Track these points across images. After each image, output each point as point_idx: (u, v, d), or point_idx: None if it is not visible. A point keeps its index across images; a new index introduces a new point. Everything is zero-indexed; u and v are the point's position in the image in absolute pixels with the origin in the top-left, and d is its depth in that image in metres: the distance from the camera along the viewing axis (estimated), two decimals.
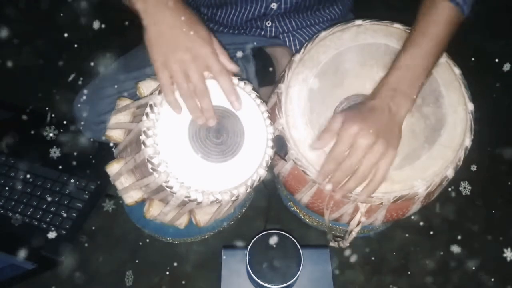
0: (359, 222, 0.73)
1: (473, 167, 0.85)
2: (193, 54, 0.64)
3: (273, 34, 0.93)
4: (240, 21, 0.89)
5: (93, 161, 1.03)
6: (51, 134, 1.10)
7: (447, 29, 0.70)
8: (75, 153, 1.04)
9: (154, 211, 0.71)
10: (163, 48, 0.64)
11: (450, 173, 0.71)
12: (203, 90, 0.65)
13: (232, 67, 0.68)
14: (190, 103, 0.65)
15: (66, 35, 1.32)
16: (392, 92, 0.67)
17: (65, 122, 1.11)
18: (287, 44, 0.94)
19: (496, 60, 1.24)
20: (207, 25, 0.94)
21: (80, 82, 0.89)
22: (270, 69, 0.98)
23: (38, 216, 0.98)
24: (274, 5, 0.85)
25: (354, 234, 0.75)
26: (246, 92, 0.71)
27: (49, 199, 1.00)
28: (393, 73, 0.69)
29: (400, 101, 0.67)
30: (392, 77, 0.68)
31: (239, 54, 0.93)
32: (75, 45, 1.28)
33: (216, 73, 0.66)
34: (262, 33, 0.93)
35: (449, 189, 0.75)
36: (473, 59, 1.14)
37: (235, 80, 0.70)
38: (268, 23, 0.91)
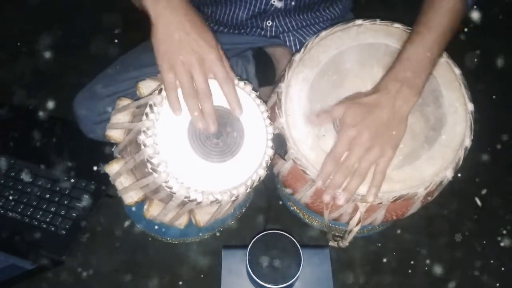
0: (358, 222, 0.73)
1: (473, 167, 0.85)
2: (199, 58, 0.65)
3: (273, 33, 0.93)
4: (241, 19, 0.89)
5: (93, 161, 1.03)
6: (51, 134, 1.10)
7: (450, 19, 0.70)
8: (75, 153, 1.04)
9: (153, 211, 0.71)
10: (171, 49, 0.64)
11: (449, 173, 0.70)
12: (206, 92, 0.65)
13: (231, 75, 0.69)
14: (191, 103, 0.65)
15: (66, 35, 1.32)
16: (399, 85, 0.67)
17: (65, 121, 1.12)
18: (287, 44, 0.94)
19: (496, 60, 1.24)
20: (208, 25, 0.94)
21: (80, 82, 0.89)
22: (270, 69, 0.98)
23: (38, 216, 0.98)
24: (274, 1, 0.85)
25: (353, 233, 0.75)
26: (246, 92, 0.71)
27: (49, 199, 1.00)
28: (399, 64, 0.69)
29: (406, 95, 0.67)
30: (398, 68, 0.69)
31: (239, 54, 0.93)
32: (75, 45, 1.29)
33: (221, 79, 0.67)
34: (263, 32, 0.93)
35: (449, 189, 0.75)
36: (473, 59, 1.14)
37: (235, 80, 0.70)
38: (269, 23, 0.91)
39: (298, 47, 0.93)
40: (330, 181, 0.68)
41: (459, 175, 0.72)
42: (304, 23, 0.93)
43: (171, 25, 0.65)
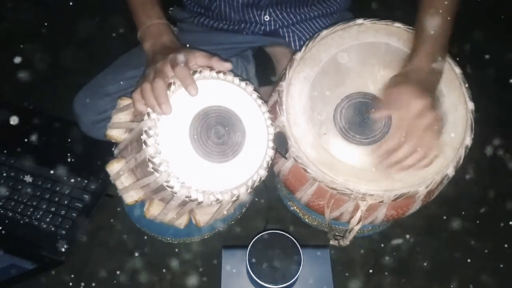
0: (359, 220, 0.73)
1: (474, 167, 0.85)
2: (155, 68, 0.69)
3: (272, 27, 0.93)
4: (236, 12, 0.90)
5: (93, 161, 1.03)
6: (51, 134, 1.10)
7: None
8: (75, 153, 1.04)
9: (154, 210, 0.71)
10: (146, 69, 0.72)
11: (450, 172, 0.71)
12: (152, 79, 0.66)
13: (227, 65, 0.69)
14: (147, 98, 0.65)
15: (66, 34, 1.32)
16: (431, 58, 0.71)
17: (65, 121, 1.11)
18: (287, 39, 0.94)
19: (497, 58, 1.25)
20: (207, 23, 0.95)
21: (80, 81, 0.89)
22: (270, 69, 0.99)
23: (38, 216, 0.98)
24: None
25: (354, 232, 0.75)
26: (247, 92, 0.71)
27: (49, 199, 1.00)
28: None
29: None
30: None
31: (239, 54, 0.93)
32: (75, 44, 1.29)
33: (177, 75, 0.67)
34: (262, 28, 0.93)
35: (450, 188, 0.76)
36: (473, 58, 1.14)
37: (236, 80, 0.70)
38: (266, 18, 0.92)
39: (297, 43, 0.94)
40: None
41: (465, 175, 0.72)
42: (303, 17, 0.93)
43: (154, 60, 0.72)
